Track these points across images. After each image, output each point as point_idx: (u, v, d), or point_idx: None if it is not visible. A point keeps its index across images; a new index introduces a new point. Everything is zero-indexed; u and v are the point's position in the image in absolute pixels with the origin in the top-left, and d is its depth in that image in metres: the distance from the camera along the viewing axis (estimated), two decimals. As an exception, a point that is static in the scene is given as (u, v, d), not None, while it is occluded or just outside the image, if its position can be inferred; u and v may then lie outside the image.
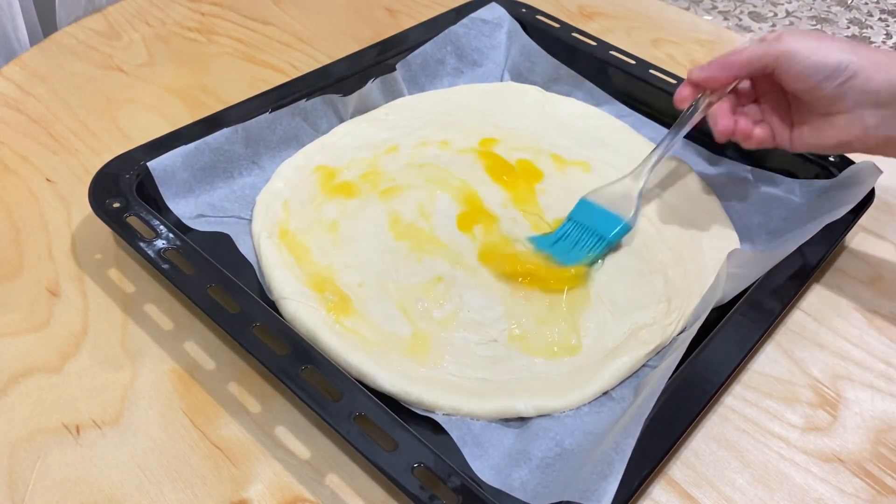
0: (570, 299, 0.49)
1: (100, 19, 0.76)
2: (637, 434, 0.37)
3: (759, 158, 0.59)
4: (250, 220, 0.53)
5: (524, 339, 0.47)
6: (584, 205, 0.54)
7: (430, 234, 0.53)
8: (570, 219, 0.53)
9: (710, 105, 0.51)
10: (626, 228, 0.52)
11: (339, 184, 0.56)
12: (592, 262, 0.51)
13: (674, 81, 0.63)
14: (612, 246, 0.52)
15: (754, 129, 0.51)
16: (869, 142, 0.47)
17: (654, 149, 0.54)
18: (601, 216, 0.52)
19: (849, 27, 2.09)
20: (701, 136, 0.61)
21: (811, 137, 0.49)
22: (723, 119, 0.51)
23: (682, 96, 0.51)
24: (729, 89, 0.51)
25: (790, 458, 0.43)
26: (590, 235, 0.52)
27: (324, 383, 0.40)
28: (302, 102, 0.58)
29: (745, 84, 0.52)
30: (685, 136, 0.55)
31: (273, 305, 0.47)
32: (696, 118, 0.52)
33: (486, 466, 0.40)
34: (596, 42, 0.67)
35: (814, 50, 0.45)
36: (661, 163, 0.60)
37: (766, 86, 0.51)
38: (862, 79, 0.45)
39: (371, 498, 0.40)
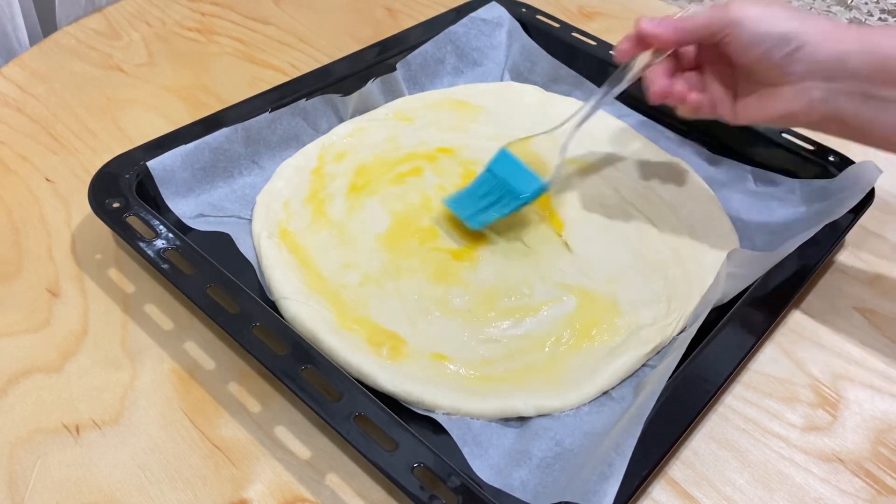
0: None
1: (100, 19, 0.76)
2: (637, 434, 0.37)
3: (759, 158, 0.59)
4: (250, 220, 0.53)
5: (524, 339, 0.47)
6: (504, 157, 0.51)
7: (431, 233, 0.53)
8: (488, 170, 0.51)
9: (648, 66, 0.49)
10: (543, 189, 0.50)
11: (340, 184, 0.56)
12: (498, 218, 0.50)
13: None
14: (526, 205, 0.50)
15: (689, 93, 0.49)
16: (813, 115, 0.45)
17: (584, 105, 0.52)
18: (520, 173, 0.50)
19: (849, 27, 2.09)
20: (701, 137, 0.61)
21: (756, 109, 0.47)
22: (659, 80, 0.49)
23: (623, 48, 0.49)
24: (669, 52, 0.49)
25: (790, 458, 0.43)
26: (504, 192, 0.50)
27: (324, 383, 0.40)
28: (302, 102, 0.58)
29: (690, 49, 0.50)
30: (681, 133, 0.54)
31: (273, 305, 0.47)
32: (633, 76, 0.50)
33: (485, 466, 0.40)
34: (596, 42, 0.67)
35: (761, 18, 0.44)
36: (660, 162, 0.60)
37: (710, 53, 0.49)
38: (809, 49, 0.43)
39: (371, 498, 0.40)
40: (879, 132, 0.44)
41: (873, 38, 0.42)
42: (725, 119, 0.49)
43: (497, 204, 0.50)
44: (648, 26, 0.47)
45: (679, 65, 0.50)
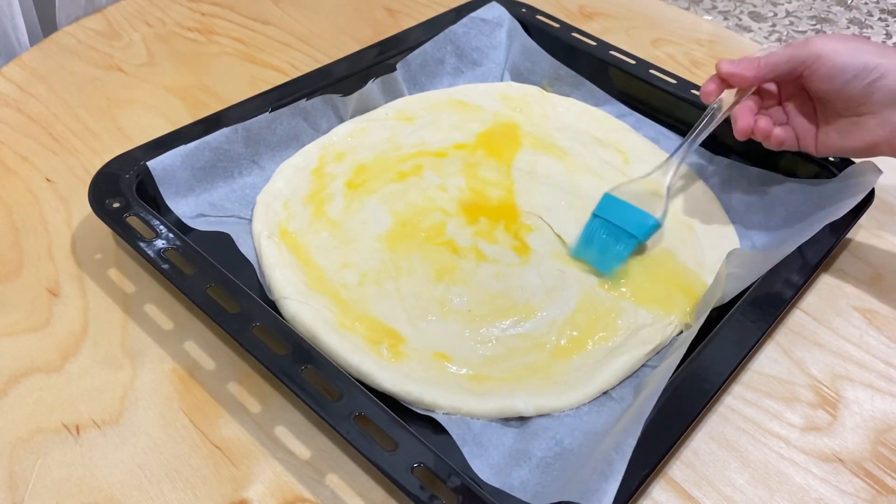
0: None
1: (100, 19, 0.76)
2: (637, 434, 0.37)
3: (759, 158, 0.59)
4: (250, 220, 0.53)
5: (524, 338, 0.47)
6: (609, 200, 0.52)
7: (431, 232, 0.53)
8: (594, 216, 0.52)
9: (734, 104, 0.52)
10: (657, 226, 0.51)
11: (339, 184, 0.56)
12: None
13: (674, 81, 0.63)
14: (641, 244, 0.51)
15: (774, 128, 0.51)
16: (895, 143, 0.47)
17: (680, 145, 0.54)
18: (629, 212, 0.51)
19: (849, 27, 2.09)
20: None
21: (838, 140, 0.49)
22: (743, 117, 0.51)
23: (708, 90, 0.52)
24: (752, 90, 0.52)
25: (790, 458, 0.43)
26: (618, 234, 0.51)
27: (324, 383, 0.40)
28: (302, 102, 0.58)
29: (771, 86, 0.52)
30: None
31: (273, 305, 0.47)
32: (720, 116, 0.52)
33: (485, 466, 0.40)
34: (596, 42, 0.67)
35: (842, 51, 0.46)
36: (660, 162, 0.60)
37: (792, 89, 0.51)
38: (890, 79, 0.45)
39: (371, 498, 0.40)
40: None
41: None
42: (810, 152, 0.51)
43: (617, 247, 0.50)
44: (729, 67, 0.50)
45: (762, 102, 0.53)
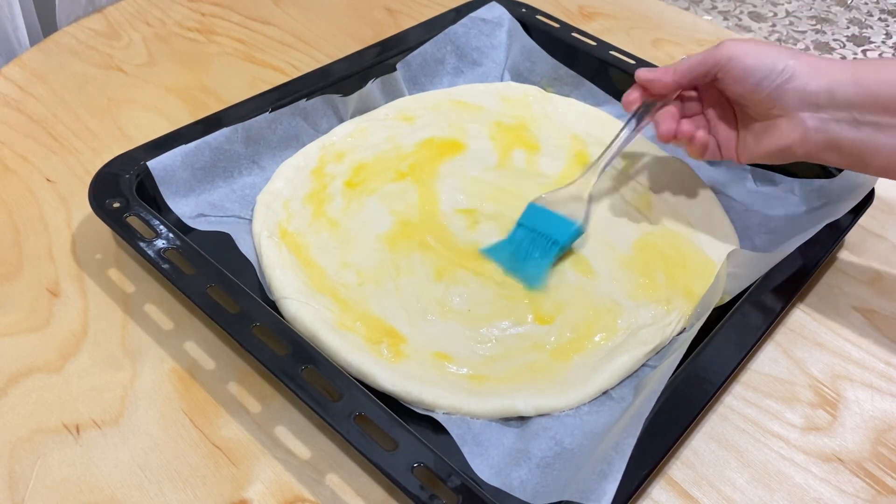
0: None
1: (100, 19, 0.76)
2: (637, 433, 0.37)
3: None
4: (250, 220, 0.53)
5: (524, 338, 0.47)
6: (532, 209, 0.52)
7: (431, 232, 0.53)
8: (519, 224, 0.52)
9: (656, 109, 0.52)
10: (579, 232, 0.51)
11: (339, 183, 0.56)
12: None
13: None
14: (565, 250, 0.51)
15: (696, 132, 0.51)
16: (809, 145, 0.46)
17: (602, 153, 0.53)
18: (552, 220, 0.51)
19: (849, 27, 2.09)
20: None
21: (754, 146, 0.49)
22: (666, 122, 0.52)
23: (630, 100, 0.52)
24: (673, 96, 0.52)
25: (790, 458, 0.43)
26: (542, 241, 0.51)
27: (324, 383, 0.40)
28: (302, 102, 0.58)
29: (692, 94, 0.52)
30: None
31: (273, 305, 0.47)
32: (643, 123, 0.52)
33: (485, 465, 0.40)
34: (596, 42, 0.67)
35: (752, 52, 0.46)
36: (660, 163, 0.60)
37: (712, 97, 0.51)
38: (800, 81, 0.45)
39: (371, 498, 0.40)
40: (875, 157, 0.45)
41: (859, 70, 0.44)
42: (730, 159, 0.51)
43: (540, 256, 0.50)
44: (647, 74, 0.50)
45: (685, 112, 0.53)
